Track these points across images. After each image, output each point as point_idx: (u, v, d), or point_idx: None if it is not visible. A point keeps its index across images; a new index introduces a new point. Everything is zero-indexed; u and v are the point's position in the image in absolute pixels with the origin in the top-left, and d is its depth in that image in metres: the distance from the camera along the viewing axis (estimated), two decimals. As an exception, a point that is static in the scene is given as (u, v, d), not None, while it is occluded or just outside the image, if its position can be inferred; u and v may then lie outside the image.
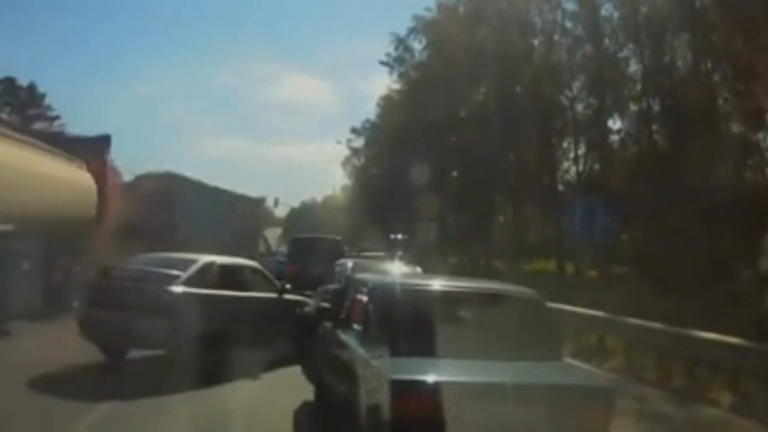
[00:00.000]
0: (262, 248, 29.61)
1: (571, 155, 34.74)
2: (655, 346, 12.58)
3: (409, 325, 6.21)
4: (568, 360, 7.28)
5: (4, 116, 56.59)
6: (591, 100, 32.49)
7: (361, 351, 6.44)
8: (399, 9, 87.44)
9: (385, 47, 44.70)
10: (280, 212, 78.34)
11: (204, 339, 9.47)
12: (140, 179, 21.00)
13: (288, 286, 12.19)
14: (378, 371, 5.78)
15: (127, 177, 22.99)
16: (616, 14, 30.11)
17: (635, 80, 29.39)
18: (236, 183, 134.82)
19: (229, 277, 10.94)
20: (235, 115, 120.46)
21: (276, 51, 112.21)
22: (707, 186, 20.63)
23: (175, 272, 10.10)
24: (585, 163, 33.62)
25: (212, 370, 9.21)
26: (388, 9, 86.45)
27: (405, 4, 76.55)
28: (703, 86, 24.23)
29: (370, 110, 78.14)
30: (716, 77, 25.05)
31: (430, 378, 5.44)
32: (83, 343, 10.22)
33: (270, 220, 57.95)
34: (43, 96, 59.02)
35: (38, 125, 58.78)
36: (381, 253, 29.11)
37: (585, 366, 12.08)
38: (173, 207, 18.62)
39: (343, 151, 61.71)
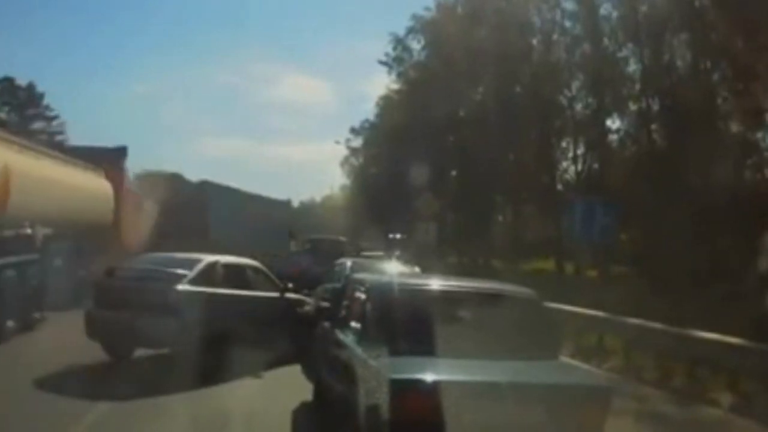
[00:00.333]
0: (293, 247, 29.97)
1: (570, 155, 34.76)
2: (654, 346, 12.56)
3: (407, 325, 6.22)
4: (565, 359, 7.30)
5: (3, 116, 56.74)
6: (590, 100, 32.46)
7: (360, 350, 6.45)
8: (398, 9, 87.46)
9: (384, 47, 44.77)
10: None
11: (209, 338, 9.56)
12: (177, 188, 22.52)
13: (290, 285, 12.22)
14: (377, 370, 5.78)
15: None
16: (615, 13, 30.11)
17: (634, 80, 29.36)
18: (235, 183, 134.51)
19: (232, 276, 11.06)
20: (234, 115, 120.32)
21: (275, 51, 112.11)
22: (706, 185, 20.61)
23: (181, 271, 10.19)
24: (584, 162, 33.59)
25: (214, 369, 9.27)
26: (387, 9, 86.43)
27: (404, 4, 76.53)
28: (703, 86, 24.21)
29: (369, 110, 78.17)
30: (715, 77, 25.03)
31: (429, 377, 5.45)
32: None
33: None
34: (42, 96, 59.05)
35: (37, 125, 58.90)
36: (380, 253, 29.10)
37: (584, 366, 12.11)
38: (207, 211, 19.69)
39: (342, 151, 61.72)
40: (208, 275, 10.52)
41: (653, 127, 28.16)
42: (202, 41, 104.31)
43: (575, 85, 33.42)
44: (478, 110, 36.81)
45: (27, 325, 12.88)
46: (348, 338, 7.03)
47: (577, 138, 33.81)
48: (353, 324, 7.18)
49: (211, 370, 9.22)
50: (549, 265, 34.68)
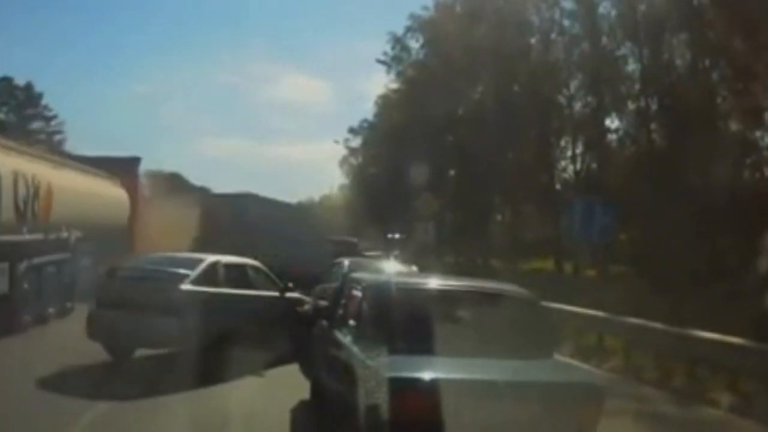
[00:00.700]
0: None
1: (569, 154, 34.72)
2: (654, 345, 12.52)
3: (404, 324, 6.26)
4: (560, 358, 7.31)
5: (1, 116, 56.66)
6: (589, 99, 32.41)
7: (357, 349, 6.46)
8: (398, 9, 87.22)
9: (383, 47, 44.74)
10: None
11: (210, 337, 9.63)
12: (218, 197, 24.41)
13: (290, 284, 12.23)
14: (374, 369, 5.80)
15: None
16: (614, 12, 30.05)
17: (633, 79, 29.29)
18: (235, 183, 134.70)
19: (233, 275, 11.11)
20: (234, 114, 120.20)
21: (275, 51, 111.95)
22: (706, 185, 20.56)
23: (183, 271, 10.22)
24: (583, 162, 33.54)
25: (216, 368, 9.30)
26: (386, 9, 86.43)
27: (403, 4, 76.56)
28: (702, 85, 24.17)
29: (368, 109, 78.13)
30: (715, 76, 24.98)
31: (426, 375, 5.49)
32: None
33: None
34: (40, 96, 59.00)
35: (35, 125, 58.88)
36: (378, 253, 29.10)
37: (583, 366, 12.09)
38: (247, 220, 20.93)
39: (341, 151, 61.65)
40: (210, 275, 10.56)
41: (652, 126, 28.12)
42: (201, 41, 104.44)
43: (574, 84, 33.40)
44: (476, 109, 36.77)
45: (62, 313, 15.32)
46: (345, 337, 7.05)
47: (576, 137, 33.78)
48: (351, 323, 7.22)
49: (212, 369, 9.24)
50: (548, 264, 34.67)
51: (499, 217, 43.16)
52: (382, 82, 61.24)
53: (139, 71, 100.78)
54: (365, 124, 56.93)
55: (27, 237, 14.01)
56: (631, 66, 29.38)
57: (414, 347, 5.88)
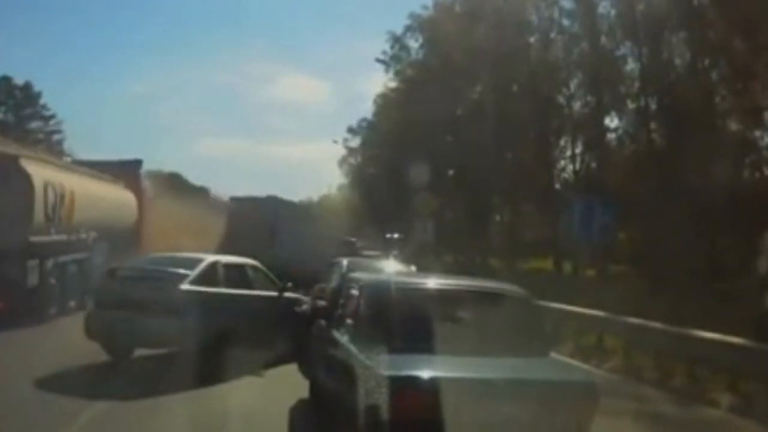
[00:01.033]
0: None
1: (568, 153, 34.64)
2: (654, 345, 12.49)
3: (402, 323, 6.31)
4: (555, 356, 7.39)
5: (0, 115, 56.62)
6: (588, 98, 32.34)
7: (356, 348, 6.49)
8: (397, 8, 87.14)
9: (382, 46, 44.68)
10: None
11: (211, 337, 9.66)
12: (243, 200, 25.75)
13: (289, 284, 12.23)
14: (373, 368, 5.81)
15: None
16: (613, 12, 29.96)
17: (633, 78, 29.20)
18: (234, 182, 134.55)
19: (233, 275, 11.13)
20: (232, 114, 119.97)
21: (274, 50, 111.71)
22: (705, 184, 20.53)
23: (183, 271, 10.22)
24: (582, 161, 33.47)
25: (215, 368, 9.30)
26: (386, 8, 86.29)
27: (402, 4, 76.52)
28: (701, 84, 24.12)
29: (367, 109, 77.95)
30: (714, 75, 24.94)
31: (425, 374, 5.54)
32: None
33: None
34: (39, 95, 58.97)
35: (34, 125, 58.83)
36: (377, 252, 29.07)
37: (584, 366, 12.07)
38: (269, 221, 22.17)
39: (340, 150, 61.58)
40: (209, 275, 10.57)
41: (652, 125, 28.04)
42: (201, 41, 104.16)
43: (573, 83, 33.36)
44: (476, 109, 36.72)
45: (82, 306, 15.70)
46: (344, 336, 7.08)
47: (575, 137, 33.73)
48: (349, 322, 7.25)
49: (211, 369, 9.23)
50: (547, 264, 34.67)
51: (498, 217, 43.11)
52: (381, 82, 61.11)
53: (138, 71, 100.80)
54: (364, 124, 56.94)
55: (54, 238, 15.80)
56: (631, 65, 29.35)
57: (412, 346, 5.93)
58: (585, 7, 30.76)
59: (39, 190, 14.98)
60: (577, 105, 33.47)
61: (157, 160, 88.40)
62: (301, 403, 8.50)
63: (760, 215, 16.95)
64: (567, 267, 31.30)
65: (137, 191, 23.76)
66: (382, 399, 5.40)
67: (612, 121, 31.22)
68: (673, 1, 24.82)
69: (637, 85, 28.83)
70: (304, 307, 11.40)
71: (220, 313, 10.09)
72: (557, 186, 35.17)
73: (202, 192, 54.92)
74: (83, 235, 17.62)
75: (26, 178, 14.66)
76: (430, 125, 37.36)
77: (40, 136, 57.56)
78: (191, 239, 21.73)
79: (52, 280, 15.51)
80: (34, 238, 14.75)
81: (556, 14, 34.09)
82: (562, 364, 7.64)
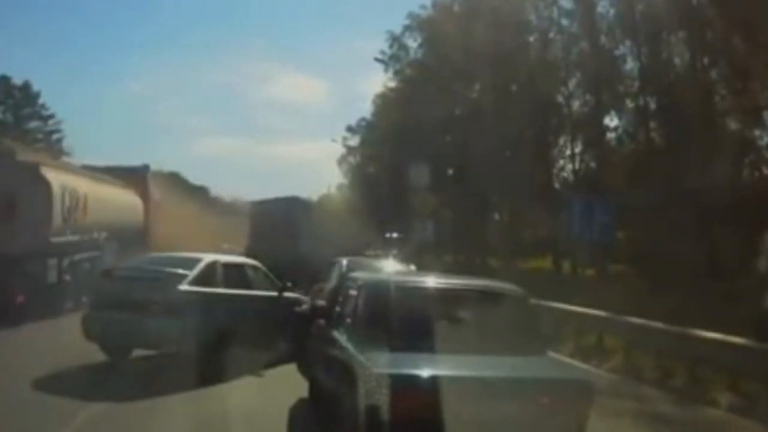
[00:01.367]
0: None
1: (568, 153, 34.62)
2: (654, 345, 12.46)
3: (400, 322, 6.36)
4: (552, 355, 7.41)
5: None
6: (587, 98, 32.30)
7: (355, 347, 6.50)
8: (396, 8, 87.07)
9: (381, 46, 44.59)
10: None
11: (210, 337, 9.64)
12: (268, 203, 27.26)
13: (289, 284, 12.20)
14: (372, 366, 5.82)
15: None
16: (612, 11, 29.91)
17: (632, 77, 29.19)
18: (233, 182, 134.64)
19: (232, 275, 11.08)
20: (231, 114, 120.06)
21: (272, 50, 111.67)
22: (705, 184, 20.49)
23: (181, 271, 10.18)
24: (581, 161, 33.44)
25: (214, 368, 9.31)
26: (385, 8, 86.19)
27: (401, 3, 76.36)
28: (701, 84, 24.09)
29: (366, 108, 77.87)
30: (713, 75, 24.92)
31: (425, 372, 5.60)
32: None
33: None
34: (37, 95, 58.86)
35: (33, 124, 58.76)
36: (377, 252, 29.06)
37: (584, 366, 12.06)
38: (293, 221, 23.38)
39: (339, 150, 61.47)
40: (208, 275, 10.52)
41: (651, 125, 28.03)
42: (197, 40, 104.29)
43: (572, 83, 33.30)
44: (474, 108, 36.63)
45: None
46: (343, 336, 7.09)
47: (574, 136, 33.69)
48: (348, 321, 7.27)
49: (210, 369, 9.24)
50: (546, 263, 34.65)
51: (497, 217, 43.06)
52: (380, 82, 60.95)
53: (137, 71, 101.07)
54: (363, 123, 56.83)
55: (69, 238, 17.19)
56: (630, 65, 29.33)
57: (410, 345, 5.99)
58: (584, 6, 30.70)
59: (57, 196, 16.41)
60: (576, 104, 33.47)
61: (156, 159, 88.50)
62: (301, 402, 8.48)
63: (760, 215, 16.92)
64: (566, 266, 31.29)
65: (145, 194, 25.31)
66: (382, 398, 5.43)
67: (611, 121, 31.26)
68: (673, 0, 24.78)
69: (636, 84, 28.81)
70: (304, 306, 11.38)
71: (219, 314, 10.06)
72: (556, 185, 35.15)
73: (201, 192, 54.96)
74: (95, 236, 19.01)
75: (46, 186, 16.05)
76: (429, 125, 37.29)
77: (39, 135, 57.52)
78: (196, 239, 23.19)
79: (68, 277, 16.89)
80: (53, 239, 16.25)
81: (555, 14, 34.08)
82: (559, 362, 7.72)
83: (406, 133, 39.96)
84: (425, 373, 5.58)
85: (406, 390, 5.44)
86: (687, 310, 14.52)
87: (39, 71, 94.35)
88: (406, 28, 43.02)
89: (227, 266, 11.17)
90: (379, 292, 6.90)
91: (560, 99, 33.84)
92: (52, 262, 16.35)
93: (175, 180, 48.18)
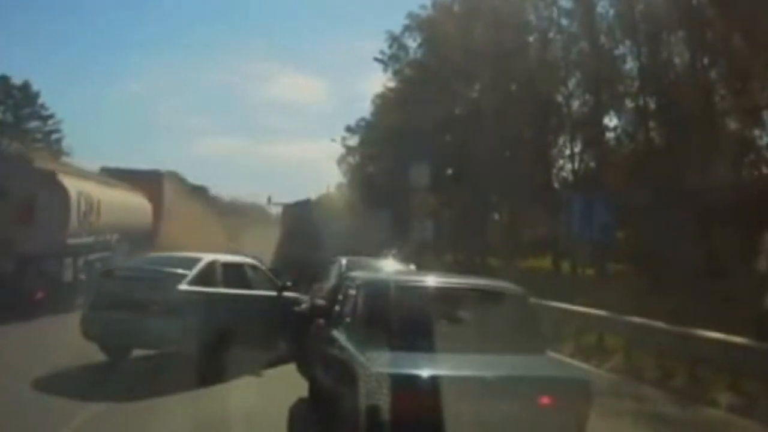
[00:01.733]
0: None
1: (567, 153, 34.60)
2: (655, 345, 12.44)
3: (400, 321, 6.36)
4: (551, 354, 7.44)
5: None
6: (587, 98, 32.30)
7: (354, 346, 6.49)
8: (395, 8, 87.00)
9: (381, 45, 44.56)
10: (274, 211, 78.02)
11: (209, 337, 9.65)
12: (288, 206, 28.90)
13: (289, 283, 12.19)
14: (372, 366, 5.82)
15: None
16: (612, 11, 29.92)
17: (632, 77, 29.20)
18: (233, 182, 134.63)
19: (231, 275, 11.07)
20: (230, 113, 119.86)
21: (272, 49, 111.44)
22: (704, 183, 20.50)
23: (181, 271, 10.17)
24: (581, 160, 33.45)
25: (213, 368, 9.31)
26: (384, 8, 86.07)
27: (401, 3, 76.27)
28: (700, 84, 24.09)
29: (365, 109, 77.84)
30: (713, 74, 24.92)
31: (424, 372, 5.60)
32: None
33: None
34: (37, 95, 58.75)
35: (32, 124, 58.71)
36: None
37: (584, 365, 12.05)
38: (311, 222, 24.31)
39: (339, 150, 61.39)
40: (207, 275, 10.51)
41: (651, 125, 28.03)
42: (197, 40, 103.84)
43: (572, 82, 33.30)
44: (474, 108, 36.63)
45: None
46: (342, 335, 7.09)
47: (574, 136, 33.67)
48: (347, 321, 7.27)
49: (210, 369, 9.24)
50: (545, 263, 34.63)
51: (497, 216, 43.05)
52: (379, 82, 60.90)
53: (137, 70, 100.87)
54: (363, 123, 56.74)
55: (84, 239, 18.37)
56: (630, 64, 29.34)
57: (410, 344, 6.00)
58: (584, 6, 30.70)
59: (74, 201, 17.56)
60: (575, 104, 33.46)
61: (156, 159, 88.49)
62: (301, 402, 8.48)
63: (760, 215, 16.91)
64: (566, 266, 31.28)
65: (159, 197, 27.02)
66: (382, 397, 5.43)
67: (611, 121, 31.25)
68: (673, 0, 24.78)
69: (636, 84, 28.83)
70: (304, 306, 11.37)
71: (218, 313, 10.06)
72: (556, 185, 35.12)
73: (201, 191, 54.89)
74: (108, 237, 20.28)
75: (64, 191, 17.19)
76: (429, 125, 37.26)
77: (39, 135, 57.48)
78: (204, 239, 24.50)
79: (82, 276, 17.95)
80: (69, 241, 17.41)
81: (554, 14, 34.07)
82: (558, 361, 7.79)
83: (406, 133, 39.89)
84: (425, 372, 5.59)
85: (406, 389, 5.44)
86: (687, 309, 14.52)
87: (38, 71, 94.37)
88: (406, 28, 43.02)
89: (227, 266, 11.15)
90: (378, 292, 6.90)
91: (560, 99, 33.84)
92: (68, 261, 17.58)
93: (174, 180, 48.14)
